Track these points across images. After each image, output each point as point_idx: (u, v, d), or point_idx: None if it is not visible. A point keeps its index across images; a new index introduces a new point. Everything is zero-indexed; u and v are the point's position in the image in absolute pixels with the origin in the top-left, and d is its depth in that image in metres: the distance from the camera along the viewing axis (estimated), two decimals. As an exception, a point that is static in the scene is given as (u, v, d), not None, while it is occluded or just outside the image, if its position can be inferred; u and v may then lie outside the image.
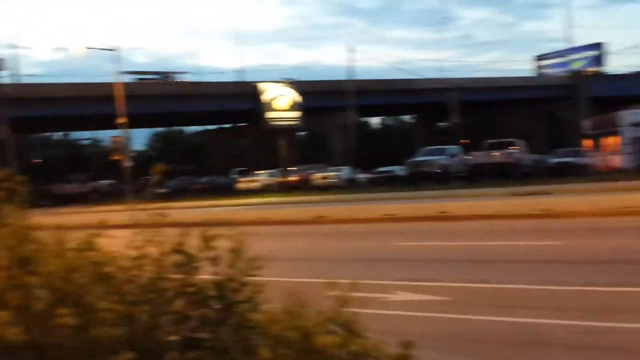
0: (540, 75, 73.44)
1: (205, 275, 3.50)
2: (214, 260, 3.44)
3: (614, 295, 6.96)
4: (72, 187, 49.17)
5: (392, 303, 7.14)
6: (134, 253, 3.31)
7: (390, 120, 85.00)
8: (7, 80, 45.38)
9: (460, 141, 45.01)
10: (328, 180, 42.33)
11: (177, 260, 3.38)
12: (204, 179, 50.15)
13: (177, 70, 57.60)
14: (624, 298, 6.86)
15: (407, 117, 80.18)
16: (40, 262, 2.41)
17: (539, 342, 5.51)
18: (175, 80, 54.37)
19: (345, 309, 3.03)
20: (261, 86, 53.74)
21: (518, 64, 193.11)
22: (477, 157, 37.01)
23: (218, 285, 3.39)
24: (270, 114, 53.47)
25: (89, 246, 2.98)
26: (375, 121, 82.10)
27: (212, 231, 3.55)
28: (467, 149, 40.82)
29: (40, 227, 3.21)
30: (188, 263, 3.39)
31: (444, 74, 61.55)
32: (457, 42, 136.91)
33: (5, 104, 40.31)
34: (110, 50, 42.10)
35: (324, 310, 3.30)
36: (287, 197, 33.55)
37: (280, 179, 45.04)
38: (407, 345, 3.25)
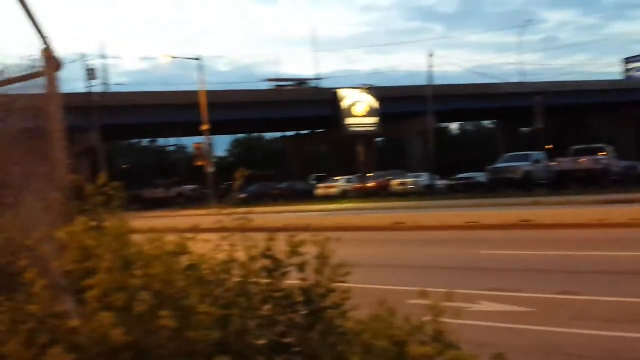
0: (628, 78, 70.12)
1: (292, 280, 3.54)
2: (301, 266, 3.47)
3: None
4: (158, 192, 51.05)
5: (476, 313, 6.96)
6: (222, 257, 3.38)
7: (469, 126, 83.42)
8: (97, 89, 47.65)
9: (544, 147, 43.53)
10: (406, 186, 41.96)
11: (265, 265, 3.43)
12: (283, 185, 50.82)
13: (309, 78, 58.87)
14: None
15: (487, 123, 78.46)
16: (140, 265, 2.50)
17: (633, 359, 5.23)
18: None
19: (437, 319, 2.97)
20: (340, 92, 53.98)
21: (604, 67, 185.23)
22: (562, 163, 35.62)
23: (305, 291, 3.42)
24: (348, 120, 53.60)
25: (183, 249, 3.07)
26: (454, 127, 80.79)
27: (295, 236, 3.58)
28: (551, 155, 39.40)
29: (135, 231, 3.33)
30: (276, 268, 3.43)
31: (526, 78, 59.87)
32: (540, 45, 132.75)
33: (96, 112, 42.33)
34: (194, 59, 43.49)
35: (413, 318, 3.26)
36: (365, 203, 33.48)
37: (358, 185, 45.01)
38: (498, 358, 3.16)
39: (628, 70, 72.30)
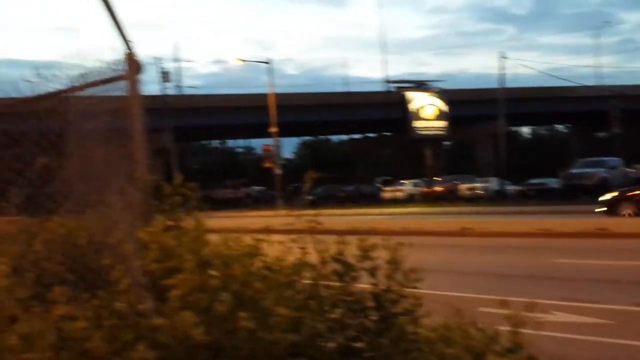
0: None
1: (363, 284, 3.52)
2: (372, 270, 3.45)
3: None
4: (227, 192, 52.04)
5: (549, 324, 6.74)
6: (292, 259, 3.40)
7: (541, 130, 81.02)
8: (171, 91, 49.07)
9: (621, 153, 41.78)
10: (475, 191, 41.17)
11: (336, 268, 3.43)
12: (350, 187, 50.82)
13: (429, 79, 59.06)
14: None
15: (560, 127, 76.01)
16: (218, 266, 2.55)
17: None
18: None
19: (516, 329, 2.89)
20: (408, 95, 53.51)
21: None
22: None
23: (376, 295, 3.39)
24: (416, 123, 53.05)
25: (257, 251, 3.10)
26: (525, 130, 78.61)
27: (365, 240, 3.55)
28: (628, 161, 37.79)
29: (210, 231, 3.39)
30: (347, 272, 3.42)
31: (602, 81, 57.61)
32: (617, 47, 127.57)
33: (169, 113, 43.57)
34: (264, 62, 44.13)
35: (487, 328, 3.18)
36: (431, 207, 33.07)
37: (425, 189, 44.51)
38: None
39: None
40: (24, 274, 2.81)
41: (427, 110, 53.19)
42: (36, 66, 4.37)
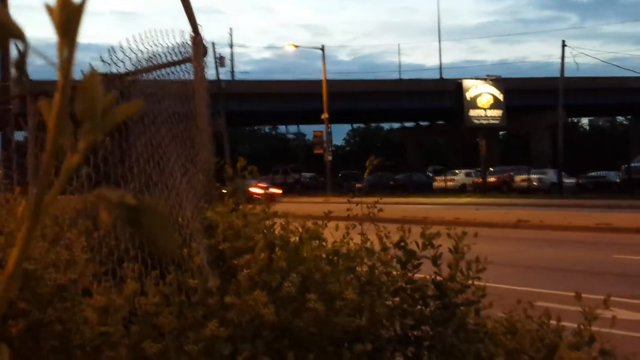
0: None
1: (423, 274, 3.48)
2: (434, 258, 3.41)
3: None
4: (278, 178, 52.45)
5: (609, 320, 6.55)
6: (352, 244, 3.39)
7: (601, 122, 78.52)
8: (225, 76, 49.63)
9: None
10: (530, 183, 40.27)
11: (398, 255, 3.40)
12: (400, 176, 50.44)
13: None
14: None
15: (621, 119, 73.48)
16: (287, 248, 2.57)
17: None
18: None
19: (589, 324, 2.82)
20: (464, 83, 52.58)
21: None
22: None
23: (438, 284, 3.35)
24: (471, 112, 52.17)
25: (320, 235, 3.11)
26: (584, 122, 76.35)
27: (428, 228, 3.51)
28: None
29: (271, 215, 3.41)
30: (409, 259, 3.40)
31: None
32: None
33: (222, 99, 44.11)
34: (317, 48, 44.11)
35: (549, 322, 3.10)
36: (485, 198, 32.55)
37: (479, 179, 43.79)
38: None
39: None
40: (96, 250, 2.90)
41: (482, 98, 52.21)
42: (100, 49, 4.46)
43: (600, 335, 2.78)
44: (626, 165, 35.58)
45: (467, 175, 45.67)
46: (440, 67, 57.51)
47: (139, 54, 4.17)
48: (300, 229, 3.04)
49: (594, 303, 7.59)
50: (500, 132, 61.57)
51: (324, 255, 2.70)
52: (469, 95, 52.55)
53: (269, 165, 56.40)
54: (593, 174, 40.27)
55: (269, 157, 68.60)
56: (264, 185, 14.63)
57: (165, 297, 2.47)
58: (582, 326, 2.76)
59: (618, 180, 35.69)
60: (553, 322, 3.13)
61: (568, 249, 13.15)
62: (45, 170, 0.47)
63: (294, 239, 2.74)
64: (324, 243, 3.04)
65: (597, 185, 36.73)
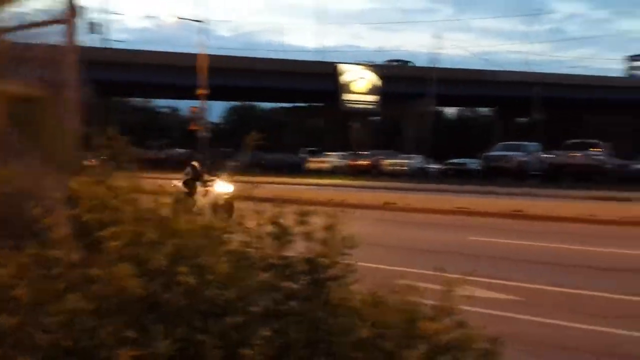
0: (632, 76, 70.12)
1: (295, 252, 3.54)
2: (307, 235, 3.48)
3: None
4: (150, 153, 50.78)
5: (465, 298, 7.00)
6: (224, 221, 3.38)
7: (468, 112, 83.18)
8: (97, 44, 47.12)
9: (542, 138, 43.57)
10: (398, 167, 42.04)
11: (271, 231, 3.44)
12: (273, 156, 50.63)
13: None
14: None
15: (485, 110, 78.30)
16: (156, 220, 2.51)
17: (622, 354, 5.32)
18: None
19: (449, 299, 3.02)
20: (341, 67, 53.55)
21: (610, 63, 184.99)
22: (556, 156, 35.77)
23: (309, 260, 3.43)
24: (347, 96, 53.30)
25: (190, 209, 3.07)
26: (452, 111, 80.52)
27: (303, 207, 3.59)
28: (548, 147, 39.48)
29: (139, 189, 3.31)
30: (281, 235, 3.44)
31: (531, 68, 59.79)
32: (547, 36, 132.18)
33: (94, 67, 41.84)
34: (197, 21, 42.98)
35: (411, 297, 3.28)
36: (355, 180, 33.54)
37: (351, 162, 45.00)
38: (494, 341, 3.21)
39: (631, 68, 72.42)
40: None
41: (359, 83, 53.49)
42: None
43: (456, 310, 2.98)
44: (485, 154, 38.08)
45: (340, 157, 46.78)
46: (322, 50, 58.09)
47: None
48: (173, 202, 2.99)
49: (453, 281, 8.06)
50: (375, 117, 63.56)
51: (196, 229, 2.68)
52: (344, 79, 53.56)
53: (141, 140, 54.44)
54: (455, 161, 42.78)
55: (142, 131, 66.20)
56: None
57: (23, 268, 2.34)
58: (440, 302, 2.95)
59: (479, 168, 38.11)
60: (415, 298, 3.33)
61: (430, 230, 13.93)
62: None
63: (165, 212, 2.68)
64: (201, 219, 3.01)
65: (458, 172, 39.07)
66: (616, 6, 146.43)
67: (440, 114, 70.53)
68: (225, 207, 13.65)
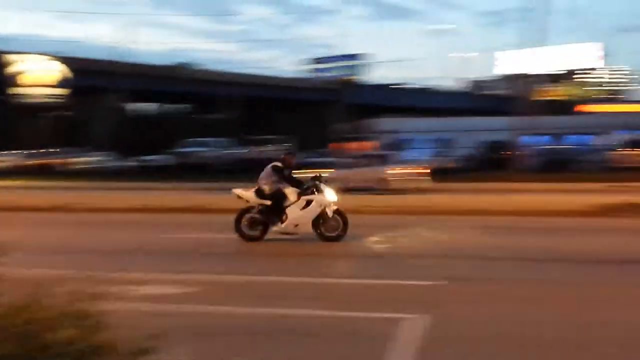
0: (312, 78, 77.77)
1: None
2: None
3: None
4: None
5: (141, 296, 6.94)
6: None
7: (170, 109, 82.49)
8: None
9: (238, 135, 45.54)
10: (83, 165, 40.25)
11: None
12: None
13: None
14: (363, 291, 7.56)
15: (181, 107, 78.64)
16: None
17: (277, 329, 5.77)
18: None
19: (84, 304, 2.96)
20: (6, 57, 48.22)
21: (295, 65, 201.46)
22: (250, 151, 38.42)
23: None
24: (20, 90, 48.37)
25: None
26: (153, 108, 78.95)
27: None
28: (240, 143, 41.71)
29: None
30: None
31: (226, 67, 62.43)
32: (239, 36, 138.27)
33: None
34: None
35: (61, 304, 3.14)
36: (33, 181, 31.04)
37: (28, 161, 41.41)
38: (150, 338, 3.25)
39: (312, 70, 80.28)
40: None
41: (39, 75, 49.04)
42: None
43: (92, 314, 2.94)
44: (175, 151, 38.78)
45: (17, 157, 42.70)
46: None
47: None
48: None
49: (140, 281, 7.92)
50: (61, 113, 59.03)
51: None
52: (14, 70, 48.65)
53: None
54: (145, 157, 42.55)
55: None
56: None
57: None
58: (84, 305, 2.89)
59: (170, 164, 38.61)
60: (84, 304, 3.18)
61: (115, 231, 13.40)
62: None
63: None
64: None
65: (150, 169, 38.87)
66: (298, 12, 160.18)
67: (136, 110, 68.79)
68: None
